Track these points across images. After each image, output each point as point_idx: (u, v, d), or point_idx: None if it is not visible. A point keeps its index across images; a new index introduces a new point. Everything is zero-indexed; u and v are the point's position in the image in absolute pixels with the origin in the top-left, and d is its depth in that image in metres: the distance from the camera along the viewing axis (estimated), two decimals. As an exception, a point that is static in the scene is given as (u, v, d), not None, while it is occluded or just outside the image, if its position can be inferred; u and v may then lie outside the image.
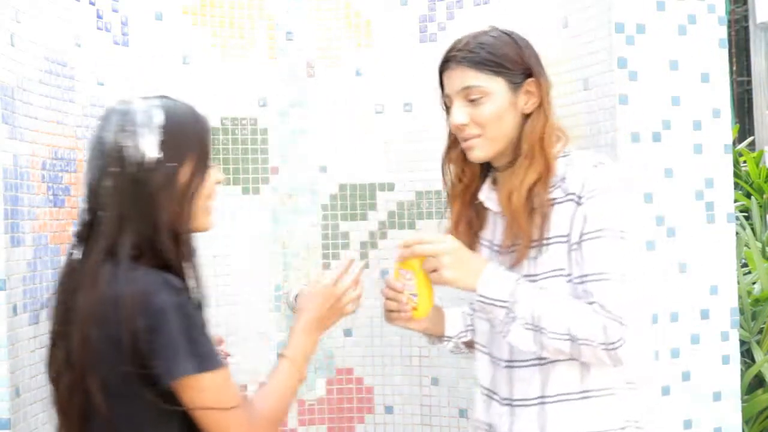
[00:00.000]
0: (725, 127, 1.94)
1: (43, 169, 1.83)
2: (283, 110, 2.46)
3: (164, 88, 2.15)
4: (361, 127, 2.46)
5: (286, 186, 2.46)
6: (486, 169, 1.65)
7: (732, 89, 10.10)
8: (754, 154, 4.83)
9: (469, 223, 1.67)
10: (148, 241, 1.37)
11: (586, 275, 1.48)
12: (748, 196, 4.39)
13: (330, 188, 2.47)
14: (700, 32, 1.91)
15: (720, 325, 1.92)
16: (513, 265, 1.54)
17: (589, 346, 1.44)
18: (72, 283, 1.38)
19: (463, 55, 1.56)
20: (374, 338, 2.45)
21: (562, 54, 2.00)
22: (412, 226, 2.43)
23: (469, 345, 1.75)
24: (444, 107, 1.62)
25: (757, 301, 2.96)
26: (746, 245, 3.31)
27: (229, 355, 1.85)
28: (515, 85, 1.56)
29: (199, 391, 1.33)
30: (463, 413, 2.36)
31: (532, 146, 1.54)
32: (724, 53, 1.94)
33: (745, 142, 5.61)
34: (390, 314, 1.60)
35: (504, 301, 1.47)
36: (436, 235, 1.53)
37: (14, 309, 1.69)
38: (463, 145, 1.59)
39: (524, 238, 1.53)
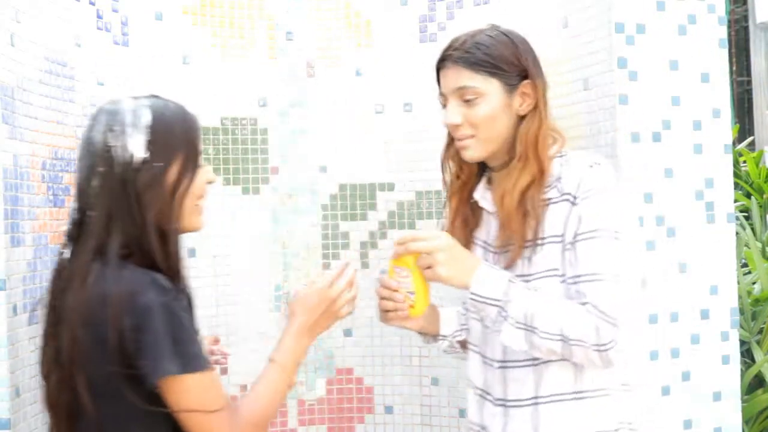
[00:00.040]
0: (725, 127, 1.94)
1: (43, 169, 1.83)
2: (283, 110, 2.46)
3: (164, 88, 2.15)
4: (361, 127, 2.46)
5: (286, 186, 2.46)
6: (483, 167, 1.65)
7: (732, 89, 10.10)
8: (754, 154, 4.83)
9: (465, 220, 1.66)
10: (136, 241, 1.37)
11: (579, 275, 1.47)
12: (748, 196, 4.39)
13: (330, 188, 2.47)
14: (700, 32, 1.91)
15: (720, 325, 1.92)
16: (507, 266, 1.54)
17: (581, 347, 1.43)
18: (61, 283, 1.38)
19: (460, 54, 1.55)
20: (374, 338, 2.45)
21: (562, 54, 2.00)
22: (412, 226, 2.43)
23: (464, 345, 1.74)
24: (441, 104, 1.62)
25: (757, 301, 2.96)
26: (746, 245, 3.31)
27: (226, 355, 1.86)
28: (511, 87, 1.56)
29: (182, 392, 1.32)
30: (463, 413, 2.36)
31: (526, 148, 1.54)
32: (724, 53, 1.94)
33: (745, 142, 5.61)
34: (386, 314, 1.58)
35: (497, 300, 1.46)
36: (430, 231, 1.53)
37: (14, 309, 1.69)
38: (457, 144, 1.60)
39: (517, 239, 1.53)
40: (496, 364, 1.59)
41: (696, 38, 1.91)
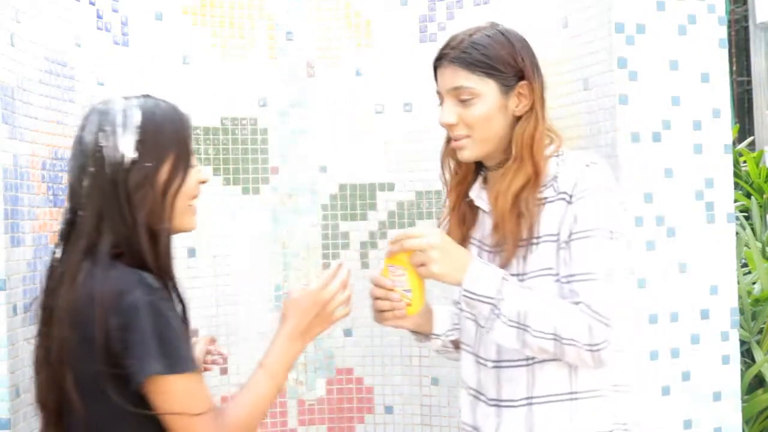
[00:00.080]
0: (725, 127, 1.94)
1: (43, 169, 1.83)
2: (283, 110, 2.46)
3: (164, 88, 2.15)
4: (361, 127, 2.46)
5: (286, 186, 2.46)
6: (481, 165, 1.65)
7: (732, 89, 10.10)
8: (754, 154, 4.83)
9: (463, 218, 1.66)
10: (127, 241, 1.37)
11: (573, 275, 1.47)
12: (748, 196, 4.39)
13: (330, 188, 2.47)
14: (700, 32, 1.91)
15: (720, 325, 1.92)
16: (501, 265, 1.53)
17: (574, 347, 1.43)
18: (53, 282, 1.38)
19: (456, 54, 1.55)
20: (374, 338, 2.45)
21: (562, 54, 2.00)
22: (411, 226, 2.43)
23: (456, 345, 1.74)
24: (439, 101, 1.62)
25: (757, 301, 2.96)
26: (746, 245, 3.31)
27: (225, 356, 1.85)
28: (507, 88, 1.55)
29: (167, 393, 1.31)
30: (463, 413, 2.36)
31: (521, 149, 1.54)
32: (724, 53, 1.94)
33: (745, 142, 5.61)
34: (382, 314, 1.57)
35: (490, 298, 1.46)
36: (423, 228, 1.52)
37: (14, 309, 1.69)
38: (453, 145, 1.60)
39: (510, 240, 1.52)
40: (490, 364, 1.58)
41: (696, 38, 1.91)
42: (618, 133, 1.82)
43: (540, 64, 1.62)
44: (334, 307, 1.48)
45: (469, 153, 1.58)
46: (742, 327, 2.84)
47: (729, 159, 1.94)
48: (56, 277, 1.38)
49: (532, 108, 1.56)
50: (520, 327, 1.44)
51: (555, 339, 1.43)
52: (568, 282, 1.47)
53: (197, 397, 1.33)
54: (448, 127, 1.57)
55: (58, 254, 1.41)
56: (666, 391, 1.86)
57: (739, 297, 2.50)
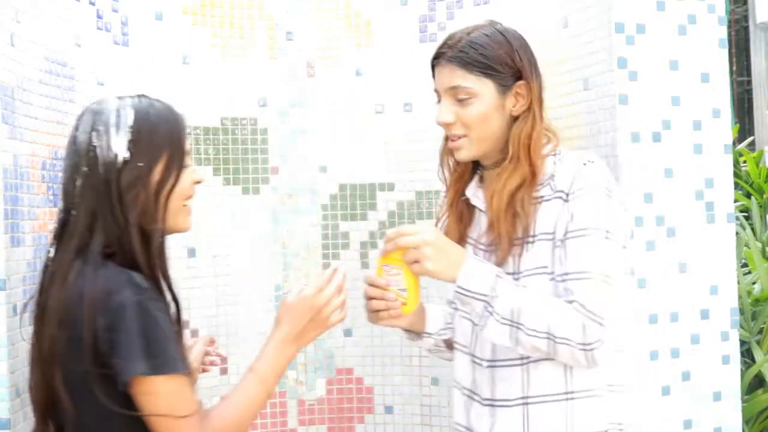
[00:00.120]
0: (725, 127, 1.94)
1: (43, 169, 1.83)
2: (283, 110, 2.46)
3: (164, 88, 2.15)
4: (361, 127, 2.46)
5: (286, 186, 2.46)
6: (477, 163, 1.65)
7: (732, 89, 10.10)
8: (754, 154, 4.83)
9: (460, 215, 1.65)
10: (118, 241, 1.37)
11: (567, 273, 1.46)
12: (748, 196, 4.39)
13: (330, 188, 2.47)
14: (700, 32, 1.91)
15: (720, 325, 1.92)
16: (497, 264, 1.53)
17: (567, 345, 1.42)
18: (45, 282, 1.39)
19: (454, 53, 1.54)
20: (374, 338, 2.45)
21: (562, 54, 2.00)
22: (411, 226, 2.43)
23: (449, 344, 1.73)
24: (436, 99, 1.62)
25: (757, 301, 2.96)
26: (746, 245, 3.31)
27: (224, 357, 1.85)
28: (504, 88, 1.55)
29: (151, 394, 1.30)
30: (463, 413, 2.36)
31: (518, 149, 1.53)
32: (724, 53, 1.94)
33: (745, 142, 5.61)
34: (377, 314, 1.55)
35: (484, 295, 1.45)
36: (416, 225, 1.51)
37: (14, 309, 1.69)
38: (450, 145, 1.59)
39: (504, 239, 1.52)
40: (485, 364, 1.57)
41: (696, 38, 1.91)
42: (618, 133, 1.82)
43: (540, 64, 1.62)
44: (329, 313, 1.47)
45: (466, 153, 1.57)
46: (742, 327, 2.84)
47: (729, 159, 1.94)
48: (49, 276, 1.38)
49: (529, 108, 1.56)
50: (513, 325, 1.43)
51: (548, 338, 1.43)
52: (563, 280, 1.46)
53: (183, 399, 1.32)
54: (445, 126, 1.57)
55: (52, 253, 1.41)
56: (666, 391, 1.86)
57: (739, 297, 2.50)
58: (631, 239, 1.81)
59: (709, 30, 1.92)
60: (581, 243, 1.46)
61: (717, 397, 1.91)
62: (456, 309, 1.66)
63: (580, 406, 1.51)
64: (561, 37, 2.02)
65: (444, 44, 1.57)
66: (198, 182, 1.48)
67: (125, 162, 1.37)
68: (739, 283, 2.28)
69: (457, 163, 1.64)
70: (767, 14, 9.70)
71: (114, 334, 1.28)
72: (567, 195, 1.48)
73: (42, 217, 1.82)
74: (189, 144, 1.47)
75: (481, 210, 1.62)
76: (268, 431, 2.42)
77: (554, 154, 1.56)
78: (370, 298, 1.55)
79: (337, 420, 2.46)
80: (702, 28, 1.91)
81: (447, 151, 1.65)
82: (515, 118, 1.56)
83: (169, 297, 1.43)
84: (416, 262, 1.47)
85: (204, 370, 1.82)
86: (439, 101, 1.59)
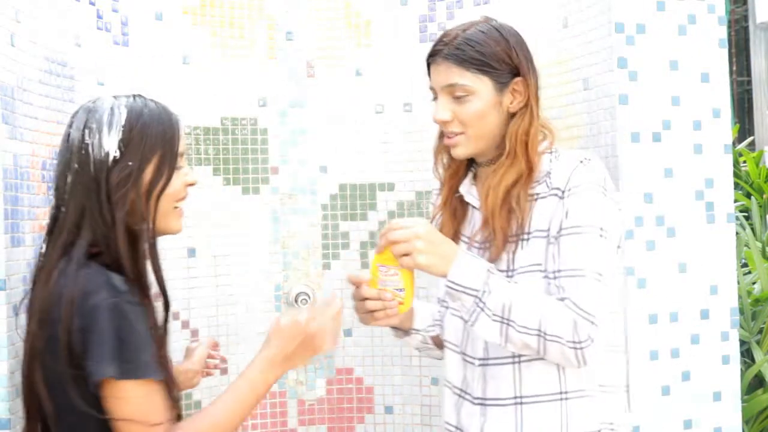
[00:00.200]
0: (725, 127, 1.94)
1: (43, 169, 1.82)
2: (283, 110, 2.46)
3: (164, 88, 2.15)
4: (361, 127, 2.46)
5: (286, 186, 2.46)
6: (472, 160, 1.64)
7: (732, 89, 10.11)
8: (754, 154, 4.83)
9: (454, 212, 1.64)
10: (105, 240, 1.36)
11: (560, 270, 1.45)
12: (748, 196, 4.39)
13: (330, 188, 2.47)
14: (700, 32, 1.91)
15: (720, 325, 1.92)
16: (490, 262, 1.51)
17: (557, 343, 1.41)
18: (35, 278, 1.39)
19: (450, 51, 1.53)
20: (374, 338, 2.45)
21: (562, 54, 2.00)
22: (412, 226, 2.43)
23: (437, 341, 1.72)
24: (432, 96, 1.61)
25: (757, 301, 2.96)
26: (746, 245, 3.31)
27: (225, 360, 1.84)
28: (501, 85, 1.54)
29: (120, 399, 1.28)
30: (463, 413, 2.36)
31: (515, 146, 1.52)
32: (724, 53, 1.94)
33: (745, 142, 5.61)
34: (373, 314, 1.53)
35: (475, 290, 1.43)
36: (407, 219, 1.48)
37: (14, 309, 1.69)
38: (447, 142, 1.58)
39: (499, 235, 1.51)
40: (477, 362, 1.56)
41: (696, 38, 1.91)
42: (618, 133, 1.82)
43: (540, 64, 1.62)
44: (321, 340, 1.44)
45: (462, 150, 1.57)
46: (742, 327, 2.84)
47: (729, 159, 1.94)
48: (37, 272, 1.38)
49: (527, 104, 1.55)
50: (504, 321, 1.42)
51: (539, 335, 1.41)
52: (556, 277, 1.45)
53: (153, 406, 1.30)
54: (442, 123, 1.56)
55: (44, 249, 1.41)
56: (666, 391, 1.86)
57: (739, 297, 2.50)
58: (631, 239, 1.81)
59: (709, 30, 1.92)
60: (575, 240, 1.45)
61: (717, 397, 1.91)
62: (446, 307, 1.65)
63: (574, 406, 1.51)
64: (561, 37, 2.02)
65: (439, 41, 1.56)
66: (191, 184, 1.46)
67: (115, 161, 1.36)
68: (739, 283, 2.28)
69: (452, 159, 1.63)
70: (767, 14, 9.70)
71: (87, 335, 1.27)
72: (563, 192, 1.48)
73: (42, 217, 1.82)
74: (183, 145, 1.46)
75: (474, 207, 1.61)
76: (268, 431, 2.42)
77: (551, 152, 1.55)
78: (363, 299, 1.52)
79: (337, 420, 2.46)
80: (702, 28, 1.91)
81: (441, 148, 1.64)
82: (512, 115, 1.55)
83: (160, 298, 1.42)
84: (407, 255, 1.44)
85: (207, 374, 1.82)
86: (435, 99, 1.58)
